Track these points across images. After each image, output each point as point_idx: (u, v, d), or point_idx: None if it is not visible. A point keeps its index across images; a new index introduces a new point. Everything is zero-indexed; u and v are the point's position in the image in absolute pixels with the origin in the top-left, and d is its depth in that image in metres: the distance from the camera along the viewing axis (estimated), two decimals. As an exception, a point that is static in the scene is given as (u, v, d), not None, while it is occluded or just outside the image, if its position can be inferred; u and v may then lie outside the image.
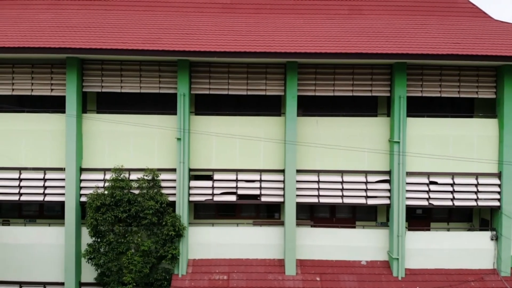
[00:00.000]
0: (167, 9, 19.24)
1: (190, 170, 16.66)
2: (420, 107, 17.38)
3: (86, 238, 16.42)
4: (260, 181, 16.80)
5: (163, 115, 16.81)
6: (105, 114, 16.83)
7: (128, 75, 16.81)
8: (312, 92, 16.89)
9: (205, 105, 17.76)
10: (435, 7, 19.50)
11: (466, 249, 16.63)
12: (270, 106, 17.71)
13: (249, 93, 16.90)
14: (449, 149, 16.65)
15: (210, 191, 16.79)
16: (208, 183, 16.80)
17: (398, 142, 16.31)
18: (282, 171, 16.74)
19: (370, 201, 16.79)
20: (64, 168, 16.45)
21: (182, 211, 16.30)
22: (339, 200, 16.80)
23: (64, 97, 16.55)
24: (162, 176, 16.54)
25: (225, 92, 16.86)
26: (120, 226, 16.11)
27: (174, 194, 16.51)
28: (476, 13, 19.41)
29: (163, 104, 17.36)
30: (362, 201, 16.78)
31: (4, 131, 16.75)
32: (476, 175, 16.69)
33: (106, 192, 16.10)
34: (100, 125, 16.68)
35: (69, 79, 16.31)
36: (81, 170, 16.69)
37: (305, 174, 16.73)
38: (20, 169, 16.73)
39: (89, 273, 16.67)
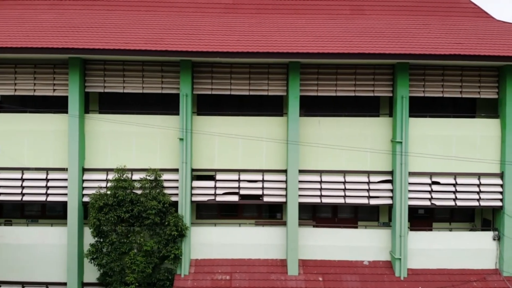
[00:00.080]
0: (169, 9, 19.26)
1: (193, 170, 16.67)
2: (422, 107, 17.40)
3: (89, 238, 16.44)
4: (263, 181, 16.81)
5: (165, 115, 16.82)
6: (108, 114, 16.85)
7: (131, 75, 16.82)
8: (314, 92, 16.90)
9: (207, 105, 17.78)
10: (437, 7, 19.51)
11: (468, 249, 16.64)
12: (272, 106, 17.72)
13: (252, 93, 16.91)
14: (452, 149, 16.66)
15: (212, 191, 16.80)
16: (211, 183, 16.81)
17: (401, 142, 16.32)
18: (284, 171, 16.75)
19: (373, 201, 16.80)
20: (67, 168, 16.47)
21: (185, 211, 16.31)
22: (341, 200, 16.81)
23: (66, 97, 16.56)
24: (165, 176, 16.56)
25: (228, 92, 16.87)
26: (122, 226, 16.11)
27: (177, 194, 16.52)
28: (478, 13, 19.42)
29: (165, 105, 17.38)
30: (365, 201, 16.79)
31: (6, 131, 16.76)
32: (479, 175, 16.71)
33: (108, 192, 16.11)
34: (103, 125, 16.69)
35: (72, 79, 16.32)
36: (84, 170, 16.70)
37: (307, 174, 16.74)
38: (22, 169, 16.75)
39: (92, 273, 16.67)
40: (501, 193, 16.60)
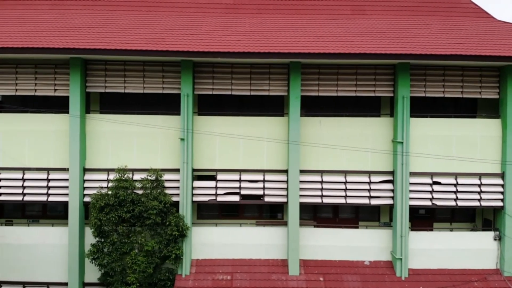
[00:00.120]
0: (170, 9, 19.27)
1: (194, 170, 16.68)
2: (423, 108, 17.41)
3: (90, 238, 16.45)
4: (264, 181, 16.82)
5: (166, 116, 16.82)
6: (109, 114, 16.85)
7: (132, 76, 16.82)
8: (315, 93, 16.91)
9: (209, 106, 17.78)
10: (438, 7, 19.52)
11: (469, 249, 16.64)
12: (273, 106, 17.72)
13: (253, 93, 16.91)
14: (452, 150, 16.67)
15: (213, 191, 16.80)
16: (212, 183, 16.82)
17: (402, 142, 16.32)
18: (285, 171, 16.75)
19: (374, 201, 16.81)
20: (68, 168, 16.47)
21: (186, 211, 16.31)
22: (342, 201, 16.81)
23: (67, 97, 16.56)
24: (166, 176, 16.56)
25: (229, 93, 16.87)
26: (123, 226, 16.12)
27: (178, 194, 16.52)
28: (478, 13, 19.42)
29: (166, 105, 17.39)
30: (366, 201, 16.79)
31: (7, 131, 16.76)
32: (479, 175, 16.71)
33: (109, 192, 16.11)
34: (104, 125, 16.70)
35: (73, 79, 16.32)
36: (85, 170, 16.70)
37: (308, 174, 16.75)
38: (23, 169, 16.75)
39: (93, 273, 16.68)
40: (502, 193, 16.61)
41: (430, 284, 16.09)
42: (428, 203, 16.76)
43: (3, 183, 16.78)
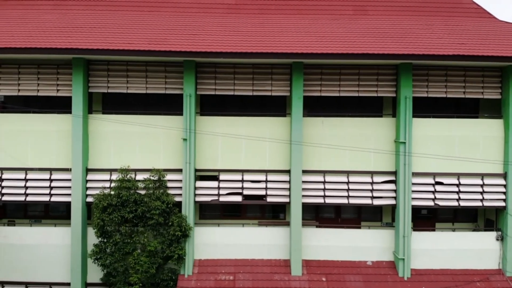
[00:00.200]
0: (172, 9, 19.27)
1: (196, 170, 16.68)
2: (426, 108, 17.40)
3: (92, 239, 16.45)
4: (266, 181, 16.82)
5: (169, 116, 16.83)
6: (111, 114, 16.86)
7: (134, 76, 16.83)
8: (317, 93, 16.91)
9: (211, 106, 17.79)
10: (440, 8, 19.52)
11: (471, 250, 16.65)
12: (276, 107, 17.72)
13: (255, 93, 16.92)
14: (455, 150, 16.67)
15: (216, 192, 16.81)
16: (214, 184, 16.82)
17: (404, 143, 16.33)
18: (287, 172, 16.75)
19: (376, 202, 16.81)
20: (70, 169, 16.48)
21: (188, 211, 16.32)
22: (344, 201, 16.81)
23: (70, 97, 16.58)
24: (168, 176, 16.56)
25: (231, 93, 16.88)
26: (126, 226, 16.12)
27: (180, 194, 16.53)
28: (481, 13, 19.43)
29: (169, 105, 17.39)
30: (368, 201, 16.80)
31: (10, 131, 16.76)
32: (482, 176, 16.71)
33: (112, 192, 16.11)
34: (106, 125, 16.70)
35: (75, 79, 16.32)
36: (87, 170, 16.70)
37: (311, 174, 16.75)
38: (26, 170, 16.75)
39: (95, 274, 16.69)
40: (504, 193, 16.62)
41: (433, 285, 16.10)
42: (431, 203, 16.76)
43: (5, 183, 16.79)
